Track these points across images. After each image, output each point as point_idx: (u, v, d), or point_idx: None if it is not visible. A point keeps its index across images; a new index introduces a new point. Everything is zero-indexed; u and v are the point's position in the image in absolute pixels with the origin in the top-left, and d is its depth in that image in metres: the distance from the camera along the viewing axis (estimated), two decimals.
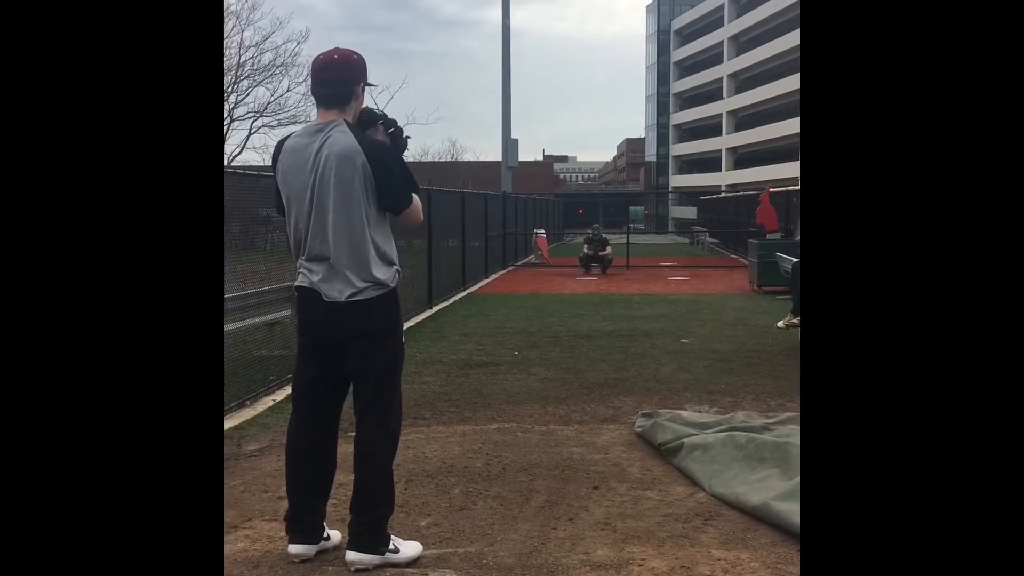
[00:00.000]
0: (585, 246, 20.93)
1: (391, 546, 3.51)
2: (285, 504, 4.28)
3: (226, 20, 27.06)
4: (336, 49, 3.41)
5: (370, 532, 3.48)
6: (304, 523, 3.58)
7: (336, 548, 3.64)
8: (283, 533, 3.89)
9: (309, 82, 3.43)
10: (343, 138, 3.30)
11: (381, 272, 3.40)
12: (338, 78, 3.34)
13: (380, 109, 3.56)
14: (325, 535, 3.62)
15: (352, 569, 3.45)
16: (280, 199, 3.45)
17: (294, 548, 3.57)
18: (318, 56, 3.41)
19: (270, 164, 3.58)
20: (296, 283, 3.56)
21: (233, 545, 3.74)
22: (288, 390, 7.06)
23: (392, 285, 3.42)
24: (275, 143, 3.53)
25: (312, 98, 3.43)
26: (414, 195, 3.48)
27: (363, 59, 3.45)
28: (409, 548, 3.57)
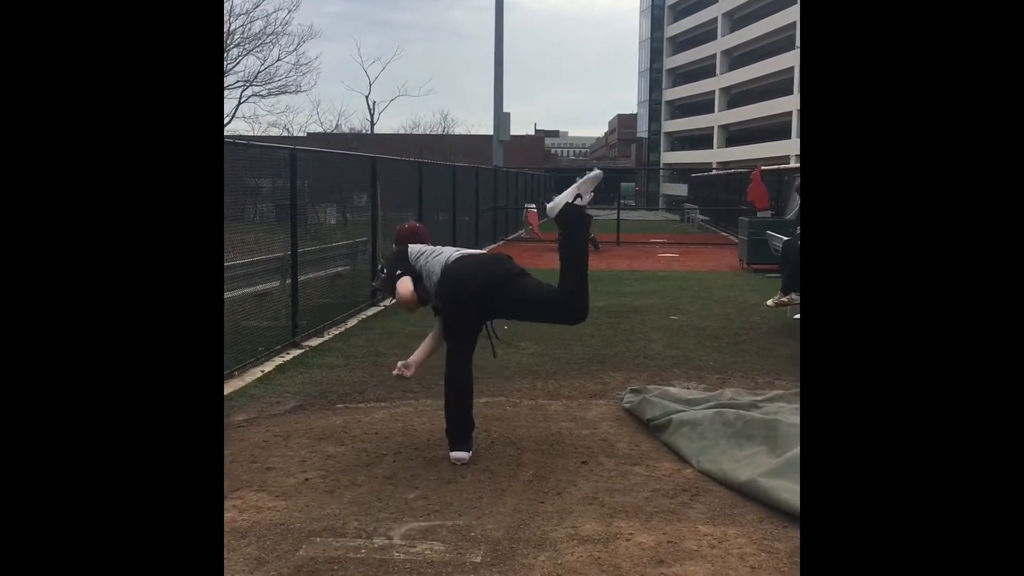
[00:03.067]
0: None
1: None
2: (272, 474, 4.30)
3: None
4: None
5: (449, 438, 4.64)
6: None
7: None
8: (271, 503, 3.91)
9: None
10: None
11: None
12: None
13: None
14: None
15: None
16: None
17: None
18: (404, 226, 5.26)
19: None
20: None
21: None
22: (276, 361, 7.06)
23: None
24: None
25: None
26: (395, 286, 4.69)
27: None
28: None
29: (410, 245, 4.89)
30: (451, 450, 4.57)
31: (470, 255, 4.81)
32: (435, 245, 4.92)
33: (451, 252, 4.80)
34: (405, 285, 4.67)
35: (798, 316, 8.38)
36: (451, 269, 4.63)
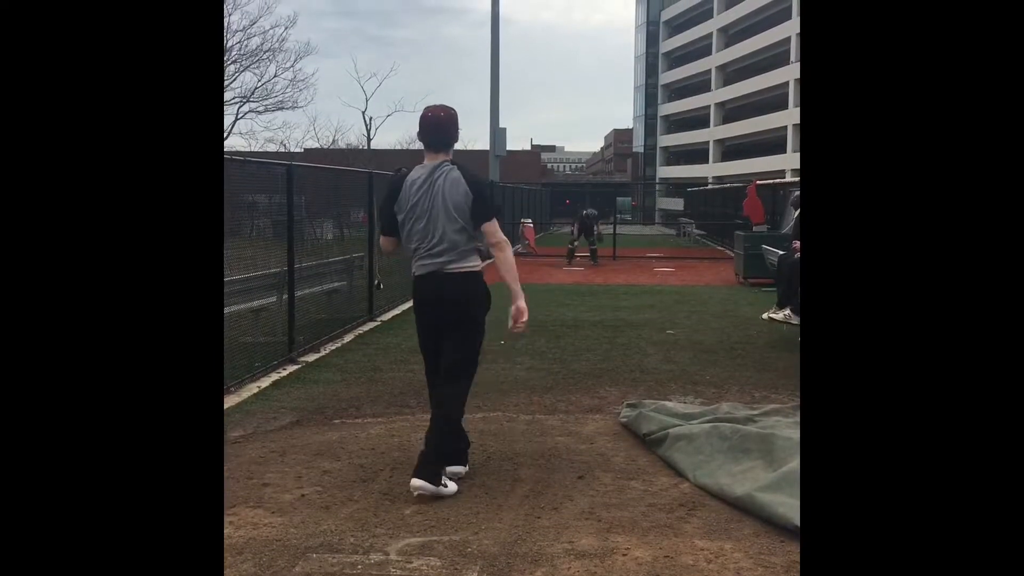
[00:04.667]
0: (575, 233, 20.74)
1: (444, 482, 4.20)
2: (269, 490, 4.29)
3: None
4: (441, 107, 4.42)
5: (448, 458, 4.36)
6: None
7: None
8: (267, 519, 3.90)
9: (419, 130, 4.39)
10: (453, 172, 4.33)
11: None
12: (447, 130, 4.39)
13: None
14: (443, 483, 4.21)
15: (415, 494, 4.13)
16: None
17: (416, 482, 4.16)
18: (427, 112, 4.39)
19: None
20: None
21: None
22: (273, 377, 7.05)
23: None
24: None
25: (422, 140, 4.39)
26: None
27: (457, 113, 4.46)
28: (454, 486, 4.26)
29: (409, 176, 4.38)
30: (449, 465, 4.44)
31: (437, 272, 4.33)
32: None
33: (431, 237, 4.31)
34: (385, 247, 4.59)
35: (797, 323, 8.39)
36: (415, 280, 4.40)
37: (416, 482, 4.13)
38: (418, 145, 4.51)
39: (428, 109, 4.43)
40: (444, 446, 4.27)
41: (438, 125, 4.39)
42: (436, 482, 4.15)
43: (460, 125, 4.49)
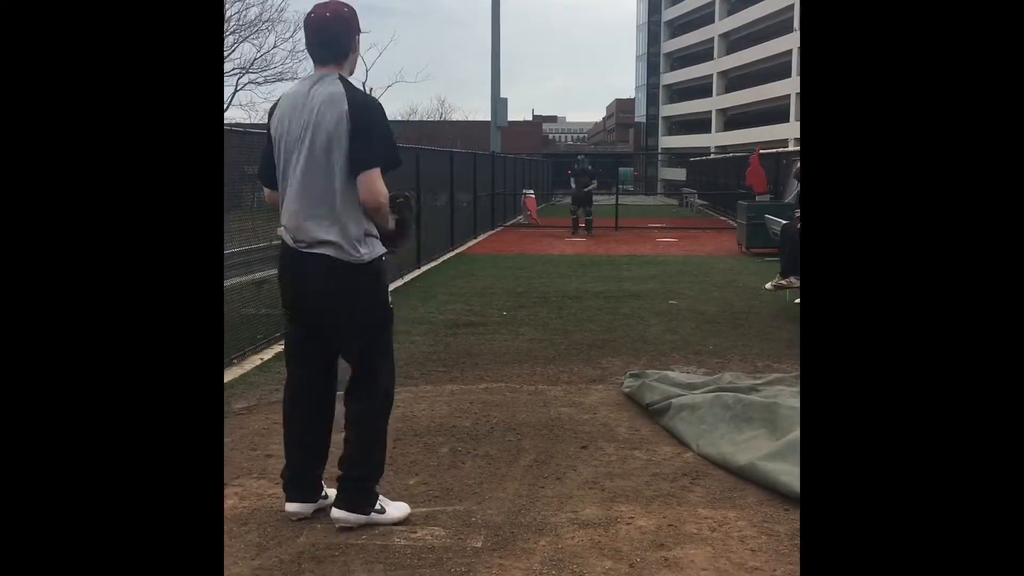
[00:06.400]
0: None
1: (377, 506, 3.50)
2: (272, 462, 4.29)
3: None
4: (328, 4, 3.27)
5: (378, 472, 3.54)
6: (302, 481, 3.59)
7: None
8: (271, 490, 3.90)
9: (304, 39, 3.32)
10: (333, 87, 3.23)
11: None
12: (334, 35, 3.27)
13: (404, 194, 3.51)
14: (323, 493, 3.62)
15: (336, 527, 3.45)
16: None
17: (292, 507, 3.57)
18: (310, 13, 3.28)
19: (256, 122, 3.56)
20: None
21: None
22: (275, 349, 7.05)
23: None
24: (263, 100, 3.48)
25: (307, 53, 3.33)
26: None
27: (354, 10, 3.32)
28: (396, 509, 3.55)
29: (285, 92, 3.36)
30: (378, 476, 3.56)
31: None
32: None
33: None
34: (269, 200, 3.56)
35: (798, 300, 8.38)
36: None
37: (336, 513, 3.41)
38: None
39: (314, 8, 3.28)
40: (368, 462, 3.49)
41: (320, 28, 3.24)
42: (365, 509, 3.43)
43: (360, 27, 3.32)
